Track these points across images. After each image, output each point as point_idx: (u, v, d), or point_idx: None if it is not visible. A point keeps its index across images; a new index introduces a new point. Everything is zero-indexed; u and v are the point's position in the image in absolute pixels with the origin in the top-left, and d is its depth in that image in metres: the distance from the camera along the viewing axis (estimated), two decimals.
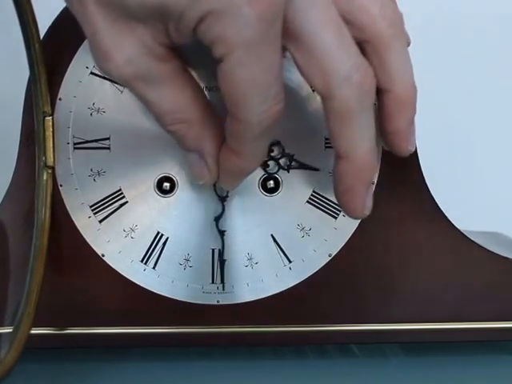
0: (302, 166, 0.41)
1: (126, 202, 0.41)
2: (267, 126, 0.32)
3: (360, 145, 0.33)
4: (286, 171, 0.41)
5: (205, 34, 0.30)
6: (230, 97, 0.31)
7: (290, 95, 0.40)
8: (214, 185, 0.40)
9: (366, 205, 0.35)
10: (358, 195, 0.34)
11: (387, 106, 0.35)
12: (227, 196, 0.41)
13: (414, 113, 0.36)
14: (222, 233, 0.41)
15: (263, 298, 0.42)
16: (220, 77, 0.31)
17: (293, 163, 0.40)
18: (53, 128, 0.40)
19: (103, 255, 0.41)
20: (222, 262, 0.41)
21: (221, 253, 0.41)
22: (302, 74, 0.33)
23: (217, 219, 0.41)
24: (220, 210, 0.41)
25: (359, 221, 0.41)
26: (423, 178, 0.42)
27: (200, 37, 0.30)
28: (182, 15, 0.30)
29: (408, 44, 0.36)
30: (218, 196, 0.41)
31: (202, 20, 0.30)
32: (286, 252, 0.41)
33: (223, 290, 0.41)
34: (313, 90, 0.40)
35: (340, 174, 0.34)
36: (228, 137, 0.34)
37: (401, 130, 0.36)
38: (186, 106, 0.34)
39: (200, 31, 0.30)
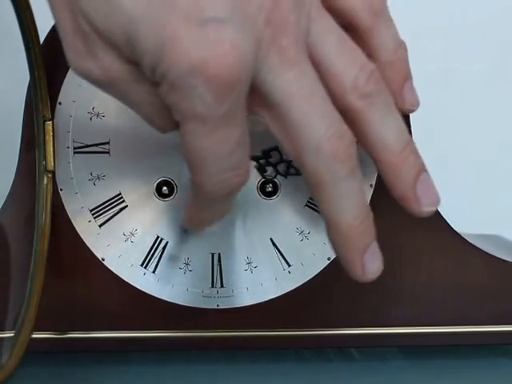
0: (300, 173, 0.40)
1: (126, 206, 0.41)
2: (223, 194, 0.30)
3: (342, 214, 0.30)
4: (283, 177, 0.41)
5: (162, 94, 0.28)
6: (186, 160, 0.29)
7: None
8: None
9: (367, 269, 0.31)
10: (352, 263, 0.31)
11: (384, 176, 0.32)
12: None
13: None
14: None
15: (263, 302, 0.42)
16: (180, 137, 0.29)
17: (290, 169, 0.40)
18: (53, 132, 0.40)
19: (103, 259, 0.41)
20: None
21: (219, 257, 0.41)
22: (275, 137, 0.30)
23: None
24: None
25: None
26: None
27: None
28: (142, 57, 0.28)
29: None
30: None
31: (160, 81, 0.28)
32: (286, 256, 0.41)
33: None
34: None
35: (330, 242, 0.31)
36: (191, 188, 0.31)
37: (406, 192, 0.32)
38: None
39: (159, 89, 0.28)
